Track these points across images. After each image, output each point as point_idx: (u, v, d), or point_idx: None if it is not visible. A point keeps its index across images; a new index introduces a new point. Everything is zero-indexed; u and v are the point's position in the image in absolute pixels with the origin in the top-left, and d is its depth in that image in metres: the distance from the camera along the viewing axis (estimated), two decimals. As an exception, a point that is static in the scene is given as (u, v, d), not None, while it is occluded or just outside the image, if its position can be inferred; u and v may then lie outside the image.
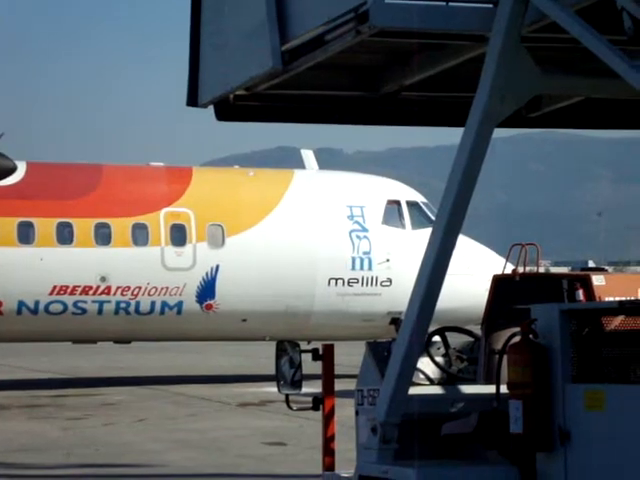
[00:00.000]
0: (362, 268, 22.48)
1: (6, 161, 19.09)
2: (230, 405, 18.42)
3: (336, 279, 22.25)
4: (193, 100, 5.86)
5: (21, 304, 20.78)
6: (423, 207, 23.08)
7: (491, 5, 4.97)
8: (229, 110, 5.97)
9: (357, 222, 22.55)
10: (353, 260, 22.41)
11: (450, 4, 4.97)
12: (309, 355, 6.25)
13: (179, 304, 21.42)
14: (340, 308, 22.20)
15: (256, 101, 5.95)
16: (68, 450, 13.81)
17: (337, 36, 5.03)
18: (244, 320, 21.71)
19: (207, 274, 21.52)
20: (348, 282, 22.36)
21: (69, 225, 21.14)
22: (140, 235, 21.39)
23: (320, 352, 6.29)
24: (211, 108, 5.96)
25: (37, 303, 20.83)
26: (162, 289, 21.26)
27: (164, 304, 21.35)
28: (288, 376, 6.17)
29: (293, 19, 5.29)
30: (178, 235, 21.55)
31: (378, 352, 5.93)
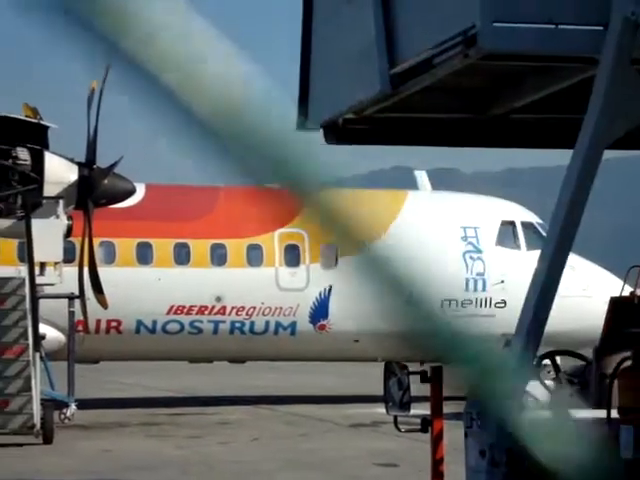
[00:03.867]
0: (476, 289, 22.34)
1: (125, 183, 19.50)
2: (342, 425, 18.46)
3: (449, 300, 22.14)
4: (302, 124, 5.94)
5: (139, 323, 21.19)
6: (538, 228, 22.85)
7: (601, 27, 4.95)
8: (338, 133, 6.04)
9: (471, 243, 22.44)
10: (467, 281, 22.29)
11: (559, 27, 4.96)
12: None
13: (293, 324, 21.58)
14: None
15: (365, 124, 6.01)
16: (184, 468, 14.02)
17: (445, 59, 5.06)
18: (356, 341, 21.75)
19: (320, 294, 21.65)
20: (462, 303, 22.23)
21: (186, 246, 21.51)
22: (255, 256, 21.65)
23: (428, 374, 6.30)
24: (321, 131, 6.04)
25: (155, 322, 21.22)
26: (276, 309, 21.46)
27: (278, 324, 21.54)
28: (397, 397, 6.20)
29: (402, 43, 5.34)
30: (292, 256, 21.75)
31: None
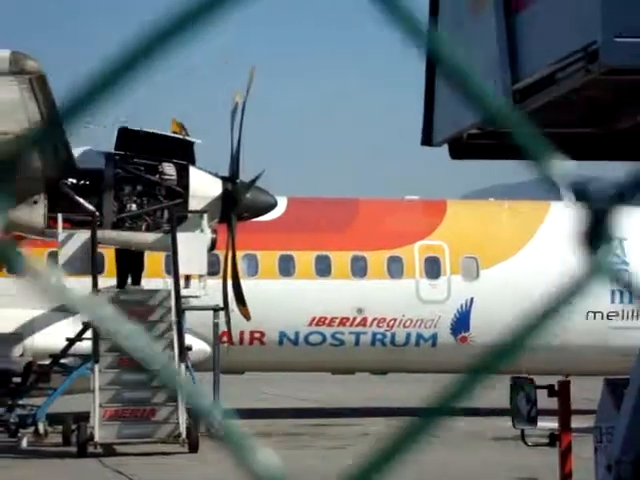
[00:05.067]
0: (622, 301, 21.96)
1: (267, 197, 19.83)
2: (484, 438, 18.36)
3: (594, 312, 21.82)
4: (427, 139, 6.02)
5: (282, 335, 21.49)
6: (687, 238, 22.33)
7: None
8: (463, 148, 6.09)
9: (616, 255, 22.08)
10: (612, 293, 21.93)
11: (683, 39, 4.92)
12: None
13: (434, 336, 21.57)
14: (598, 342, 21.74)
15: (489, 139, 6.04)
16: (323, 477, 14.16)
17: (567, 75, 5.08)
18: (499, 353, 21.62)
19: (462, 306, 21.59)
20: (607, 316, 21.88)
21: (327, 258, 21.74)
22: (395, 267, 21.74)
23: (556, 388, 6.30)
24: (446, 147, 6.11)
25: (297, 334, 21.49)
26: (417, 321, 21.49)
27: (419, 336, 21.56)
28: (524, 411, 6.22)
29: (524, 58, 5.38)
30: (433, 268, 21.76)
31: (616, 388, 5.88)
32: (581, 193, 1.73)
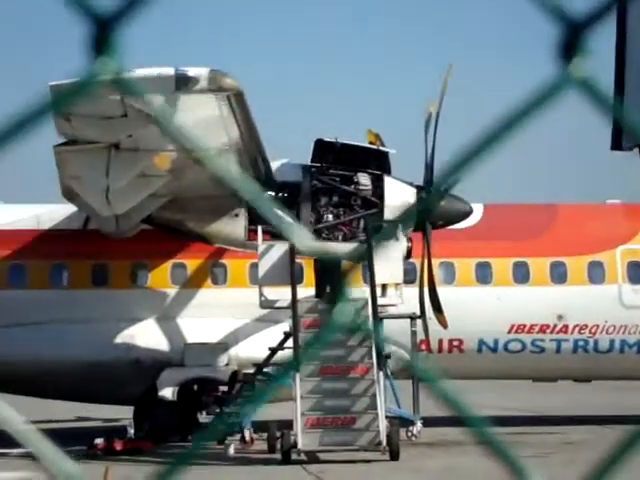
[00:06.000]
0: None
1: (462, 205, 19.77)
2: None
3: None
4: (617, 144, 5.94)
5: (481, 342, 21.34)
6: None
7: None
8: (654, 152, 5.98)
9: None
10: None
11: None
12: None
13: (639, 343, 21.04)
14: None
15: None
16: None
17: None
18: None
19: (668, 312, 20.99)
20: None
21: (525, 265, 21.49)
22: (596, 273, 21.31)
23: None
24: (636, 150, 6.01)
25: (496, 342, 21.31)
26: (621, 327, 20.99)
27: (623, 342, 21.06)
28: None
29: None
30: (636, 272, 21.23)
31: None
32: (326, 259, 1.96)
